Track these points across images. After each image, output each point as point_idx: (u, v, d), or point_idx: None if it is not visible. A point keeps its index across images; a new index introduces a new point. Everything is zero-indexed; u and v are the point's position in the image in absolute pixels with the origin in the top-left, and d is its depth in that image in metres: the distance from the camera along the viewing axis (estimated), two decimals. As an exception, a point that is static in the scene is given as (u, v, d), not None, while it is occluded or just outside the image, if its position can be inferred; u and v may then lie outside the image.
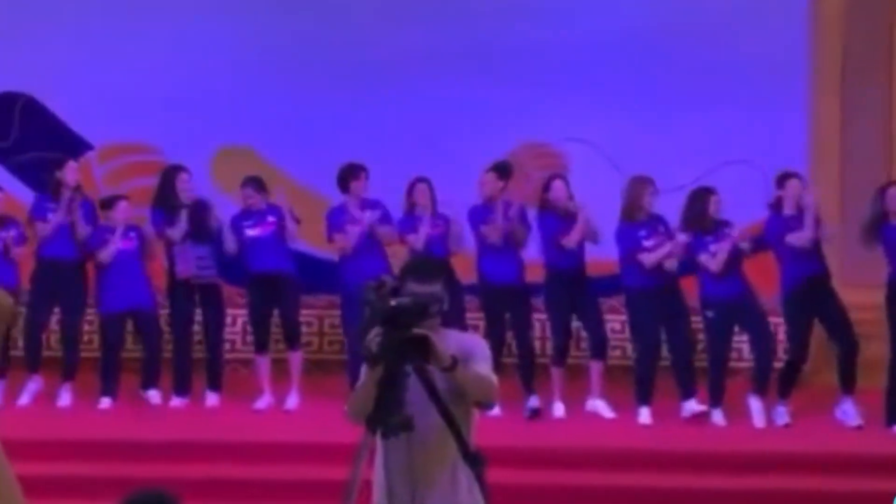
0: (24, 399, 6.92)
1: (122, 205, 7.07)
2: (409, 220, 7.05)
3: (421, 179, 7.09)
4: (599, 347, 6.88)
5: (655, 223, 6.78)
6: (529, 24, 7.91)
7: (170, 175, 7.13)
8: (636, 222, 6.74)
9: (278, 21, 8.04)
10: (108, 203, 7.11)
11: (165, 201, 7.05)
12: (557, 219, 6.82)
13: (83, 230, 7.01)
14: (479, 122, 7.84)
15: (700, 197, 6.74)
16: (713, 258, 6.60)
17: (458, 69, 7.88)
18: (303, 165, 7.97)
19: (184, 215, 6.97)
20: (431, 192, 7.06)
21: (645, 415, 6.65)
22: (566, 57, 7.90)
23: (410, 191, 7.06)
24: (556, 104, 7.81)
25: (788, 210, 6.70)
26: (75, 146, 8.10)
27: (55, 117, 8.20)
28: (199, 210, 7.04)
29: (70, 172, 7.12)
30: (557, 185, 6.90)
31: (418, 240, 6.89)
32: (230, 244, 7.00)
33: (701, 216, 6.67)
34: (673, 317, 6.66)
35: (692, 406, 6.61)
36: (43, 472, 5.74)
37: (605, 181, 7.38)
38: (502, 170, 7.03)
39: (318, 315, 8.03)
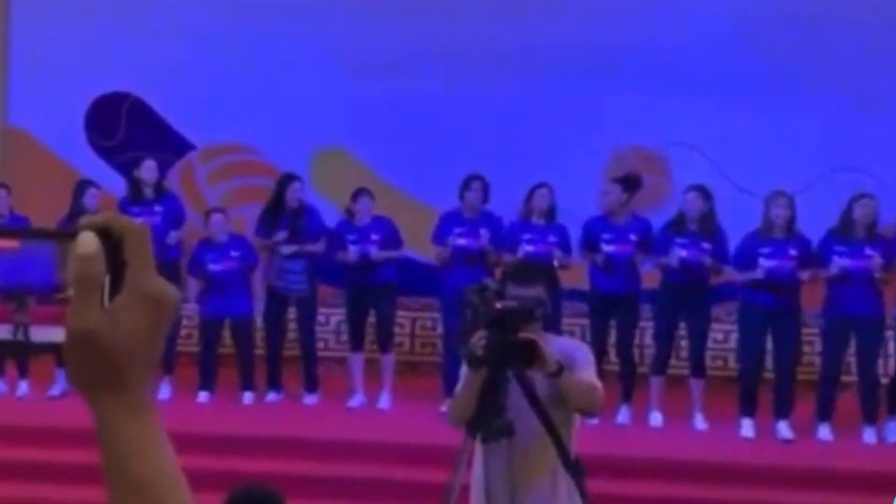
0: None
1: (215, 218, 7.09)
2: (523, 227, 6.83)
3: (541, 185, 6.83)
4: (697, 366, 6.71)
5: (786, 243, 6.39)
6: (634, 25, 7.76)
7: (283, 183, 7.11)
8: (762, 237, 6.44)
9: (375, 23, 8.06)
10: (206, 215, 7.19)
11: (273, 209, 7.07)
12: (679, 233, 6.54)
13: (171, 238, 7.10)
14: (580, 125, 7.72)
15: (849, 201, 6.43)
16: (823, 271, 6.35)
17: (557, 71, 7.77)
18: (396, 168, 7.97)
19: (284, 228, 6.95)
20: (552, 198, 6.80)
21: (747, 427, 6.46)
22: (670, 59, 7.71)
23: (530, 196, 6.82)
24: (660, 107, 7.64)
25: None
26: (178, 146, 8.26)
27: (160, 118, 8.39)
28: (302, 220, 7.03)
29: (146, 171, 7.21)
30: (691, 196, 6.60)
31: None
32: (342, 256, 6.92)
33: (845, 221, 6.38)
34: (781, 330, 6.42)
35: (784, 430, 6.38)
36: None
37: (709, 186, 7.19)
38: (628, 183, 6.79)
39: (412, 317, 8.02)
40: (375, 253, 6.90)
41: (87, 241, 0.74)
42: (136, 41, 8.16)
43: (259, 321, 7.29)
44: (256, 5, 8.18)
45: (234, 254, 7.03)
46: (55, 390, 6.94)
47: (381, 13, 8.04)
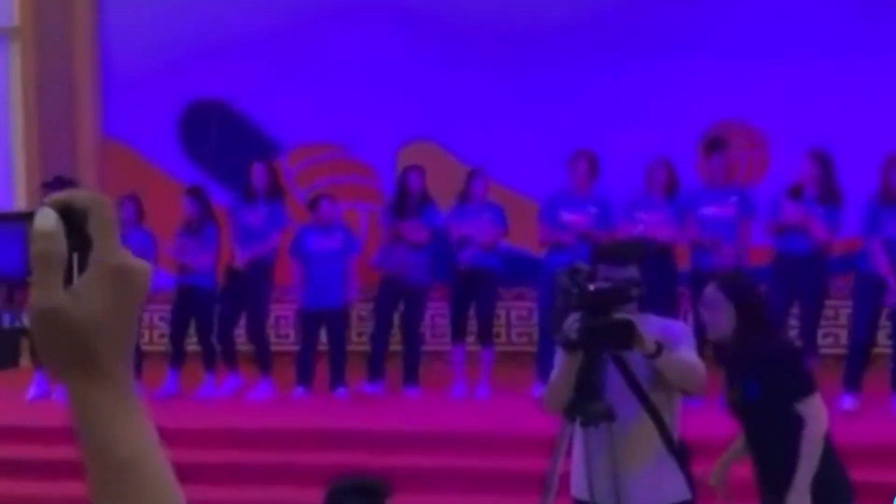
0: (223, 391, 7.22)
1: (323, 203, 7.14)
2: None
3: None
4: (809, 341, 6.47)
5: None
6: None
7: (401, 177, 7.23)
8: (888, 206, 6.12)
9: (458, 14, 8.03)
10: (313, 203, 7.24)
11: (397, 202, 7.13)
12: (786, 201, 6.33)
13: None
14: (676, 99, 7.55)
15: None
16: None
17: (652, 46, 7.60)
18: (487, 158, 7.91)
19: (412, 218, 6.98)
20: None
21: (848, 402, 6.20)
22: (769, 30, 7.49)
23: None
24: (758, 79, 7.42)
25: None
26: (267, 149, 8.39)
27: (248, 121, 8.53)
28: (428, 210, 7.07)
29: (251, 175, 7.35)
30: (804, 161, 6.34)
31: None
32: (450, 247, 6.96)
33: None
34: None
35: None
36: (255, 461, 5.98)
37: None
38: (710, 146, 6.70)
39: (507, 307, 7.97)
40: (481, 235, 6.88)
41: (44, 218, 0.70)
42: (225, 50, 8.31)
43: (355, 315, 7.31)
44: (337, 8, 8.23)
45: (336, 234, 7.06)
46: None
47: (463, 6, 7.99)
